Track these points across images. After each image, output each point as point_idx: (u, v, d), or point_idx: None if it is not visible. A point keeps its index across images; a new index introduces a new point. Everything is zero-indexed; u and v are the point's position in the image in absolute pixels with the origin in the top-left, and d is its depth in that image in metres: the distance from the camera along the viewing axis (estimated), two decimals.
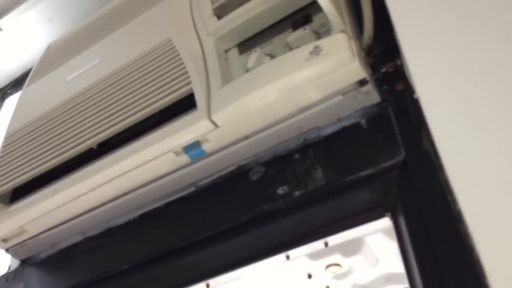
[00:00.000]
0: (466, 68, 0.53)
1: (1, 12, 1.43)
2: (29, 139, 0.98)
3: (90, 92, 0.95)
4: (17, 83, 1.63)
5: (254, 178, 0.77)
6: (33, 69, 1.22)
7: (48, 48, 1.28)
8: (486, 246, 0.41)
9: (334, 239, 0.90)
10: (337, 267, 1.09)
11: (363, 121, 0.71)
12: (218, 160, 0.79)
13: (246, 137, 0.76)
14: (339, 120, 0.73)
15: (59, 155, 0.91)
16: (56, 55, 1.20)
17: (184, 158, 0.79)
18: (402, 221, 0.61)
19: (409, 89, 0.68)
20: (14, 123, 1.06)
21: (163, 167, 0.81)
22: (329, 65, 0.67)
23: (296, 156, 0.74)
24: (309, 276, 1.12)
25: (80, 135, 0.90)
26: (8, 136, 1.04)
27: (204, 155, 0.79)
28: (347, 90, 0.70)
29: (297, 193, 0.71)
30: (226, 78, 0.78)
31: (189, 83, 0.79)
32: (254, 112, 0.72)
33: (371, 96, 0.70)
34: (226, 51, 0.86)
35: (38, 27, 1.52)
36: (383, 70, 0.73)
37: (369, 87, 0.69)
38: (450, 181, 0.47)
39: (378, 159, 0.66)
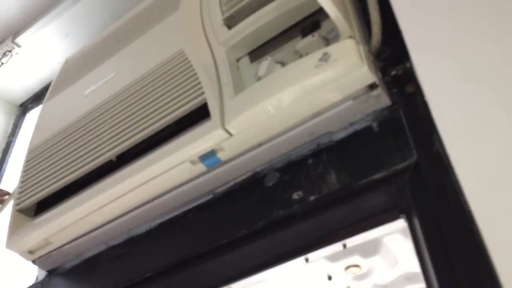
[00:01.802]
0: (473, 70, 0.53)
1: (19, 30, 1.47)
2: (50, 153, 1.01)
3: (107, 106, 0.98)
4: (37, 98, 1.68)
5: (270, 184, 0.78)
6: (52, 84, 1.26)
7: (66, 62, 1.32)
8: (497, 245, 0.42)
9: (352, 241, 0.91)
10: (357, 268, 1.10)
11: (374, 125, 0.72)
12: (234, 167, 0.81)
13: (260, 144, 0.78)
14: (351, 124, 0.74)
15: (80, 168, 0.93)
16: (73, 70, 1.23)
17: (201, 167, 0.81)
18: (416, 223, 0.62)
19: (419, 91, 0.68)
20: (36, 138, 1.09)
21: (181, 176, 0.83)
22: (339, 71, 0.68)
23: (310, 161, 0.76)
24: (329, 278, 1.13)
25: (100, 147, 0.92)
26: (30, 151, 1.07)
27: (219, 163, 0.80)
28: (358, 94, 0.71)
29: (312, 197, 0.72)
30: (239, 87, 0.79)
31: (203, 93, 0.81)
32: (267, 119, 0.74)
33: (382, 99, 0.71)
34: (238, 60, 0.88)
35: (56, 42, 1.56)
36: (393, 73, 0.74)
37: (379, 90, 0.70)
38: (460, 182, 0.47)
39: (390, 162, 0.67)
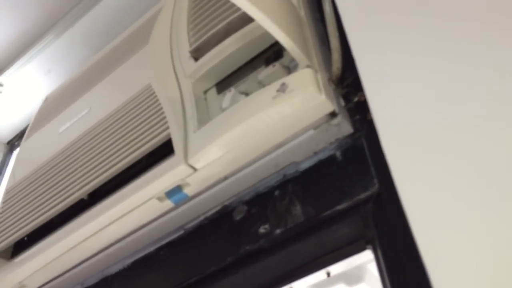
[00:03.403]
0: (423, 99, 0.52)
1: (1, 69, 1.48)
2: (25, 193, 1.01)
3: (79, 143, 0.97)
4: (23, 135, 1.68)
5: (238, 218, 0.77)
6: (30, 123, 1.26)
7: (46, 100, 1.32)
8: (442, 285, 0.40)
9: (335, 269, 0.89)
10: None
11: (338, 153, 0.70)
12: (202, 201, 0.80)
13: (226, 178, 0.77)
14: (315, 153, 0.72)
15: (53, 207, 0.92)
16: (51, 107, 1.23)
17: (168, 203, 0.79)
18: (379, 253, 0.60)
19: None
20: (12, 178, 1.09)
21: (150, 213, 0.82)
22: (296, 101, 0.67)
23: (276, 192, 0.74)
24: None
25: (71, 186, 0.91)
26: (7, 192, 1.07)
27: (187, 198, 0.79)
28: (318, 123, 0.70)
29: (277, 231, 0.70)
30: (204, 120, 0.79)
31: (167, 128, 0.80)
32: (230, 152, 0.73)
33: (343, 127, 0.69)
34: (206, 91, 0.87)
35: (38, 79, 1.56)
36: (355, 99, 0.72)
37: (339, 119, 0.69)
38: (407, 217, 0.46)
39: (353, 192, 0.66)
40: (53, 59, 1.49)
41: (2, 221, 1.01)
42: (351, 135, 0.70)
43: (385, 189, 0.61)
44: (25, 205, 0.98)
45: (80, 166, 0.92)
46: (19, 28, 1.41)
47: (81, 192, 0.89)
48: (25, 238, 0.98)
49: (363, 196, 0.64)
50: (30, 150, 1.14)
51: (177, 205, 0.80)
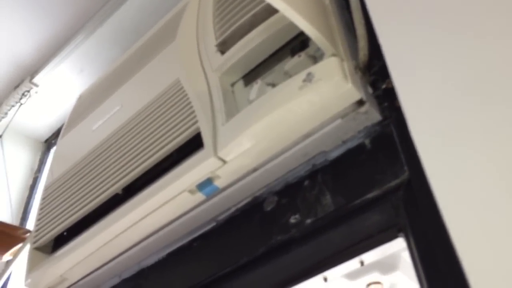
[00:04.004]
0: (451, 87, 0.51)
1: (35, 70, 1.53)
2: (62, 190, 1.04)
3: (111, 140, 0.99)
4: (59, 133, 1.73)
5: (269, 209, 0.77)
6: (66, 121, 1.29)
7: (79, 98, 1.36)
8: (474, 272, 0.39)
9: (369, 257, 0.89)
10: (379, 285, 1.07)
11: (367, 141, 0.70)
12: (233, 193, 0.81)
13: (255, 169, 0.77)
14: (344, 142, 0.72)
15: (89, 202, 0.95)
16: (84, 105, 1.26)
17: (200, 196, 0.81)
18: (412, 241, 0.60)
19: None
20: (50, 175, 1.12)
21: (182, 206, 0.83)
22: (323, 90, 0.67)
23: (306, 182, 0.74)
24: None
25: (106, 181, 0.94)
26: (45, 189, 1.10)
27: (218, 190, 0.80)
28: (346, 112, 0.69)
29: (308, 221, 0.70)
30: (232, 112, 0.79)
31: (196, 122, 0.81)
32: (258, 144, 0.73)
33: (371, 115, 0.69)
34: (233, 84, 0.88)
35: (72, 78, 1.61)
36: (383, 86, 0.72)
37: (367, 106, 0.68)
38: (438, 204, 0.45)
39: (383, 179, 0.65)
40: (85, 59, 1.52)
41: (42, 217, 1.05)
42: (379, 123, 0.69)
43: (416, 176, 0.60)
44: (63, 201, 1.02)
45: (114, 162, 0.95)
46: (50, 29, 1.45)
47: (115, 187, 0.91)
48: (65, 233, 1.02)
49: (393, 183, 0.64)
50: (66, 147, 1.18)
51: (209, 198, 0.81)
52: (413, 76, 0.55)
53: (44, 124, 1.71)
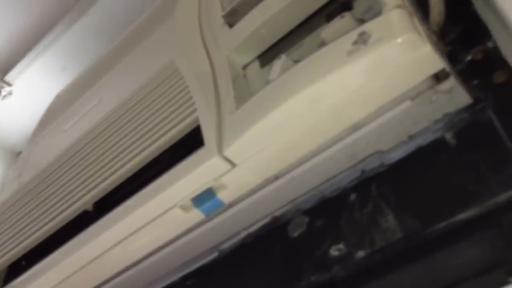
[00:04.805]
0: None
1: (8, 66, 1.32)
2: (21, 205, 0.82)
3: (83, 141, 0.77)
4: None
5: (295, 235, 0.55)
6: (36, 125, 1.08)
7: (55, 98, 1.15)
8: None
9: None
10: None
11: (449, 135, 0.47)
12: (243, 212, 0.58)
13: (276, 177, 0.54)
14: (411, 137, 0.49)
15: (49, 221, 0.73)
16: (59, 104, 1.05)
17: (197, 214, 0.58)
18: None
19: None
20: (8, 188, 0.90)
21: (171, 228, 0.61)
22: (384, 55, 0.45)
23: (352, 197, 0.51)
24: None
25: (72, 193, 0.71)
26: (1, 205, 0.88)
27: (222, 207, 0.57)
28: (418, 91, 0.47)
29: (360, 253, 0.47)
30: (244, 97, 0.57)
31: (194, 111, 0.59)
32: (282, 139, 0.50)
33: (457, 96, 0.47)
34: (245, 66, 0.66)
35: (52, 78, 1.40)
36: (468, 58, 0.49)
37: (452, 82, 0.45)
38: None
39: (483, 192, 0.43)
40: (67, 54, 1.32)
41: None
42: (469, 108, 0.47)
43: None
44: (19, 220, 0.79)
45: (84, 169, 0.72)
46: (26, 19, 1.25)
47: (84, 200, 0.68)
48: (23, 262, 0.79)
49: (501, 198, 0.41)
50: (32, 154, 0.96)
51: (209, 217, 0.59)
52: None
53: (19, 131, 1.48)
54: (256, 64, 0.66)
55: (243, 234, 0.60)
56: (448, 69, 0.45)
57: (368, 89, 0.47)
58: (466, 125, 0.47)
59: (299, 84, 0.48)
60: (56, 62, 1.34)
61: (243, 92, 0.59)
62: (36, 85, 1.40)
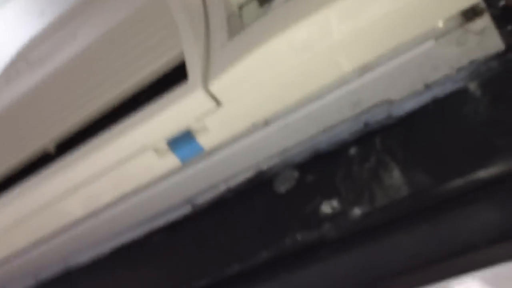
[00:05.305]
0: None
1: None
2: None
3: (53, 77, 0.69)
4: None
5: (282, 190, 0.47)
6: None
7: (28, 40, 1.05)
8: None
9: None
10: None
11: (472, 86, 0.41)
12: (225, 161, 0.50)
13: (266, 122, 0.47)
14: (427, 87, 0.43)
15: (5, 162, 0.64)
16: (29, 46, 0.95)
17: (171, 159, 0.50)
18: None
19: None
20: None
21: (140, 175, 0.53)
22: None
23: (352, 151, 0.45)
24: None
25: (33, 133, 0.63)
26: None
27: (201, 153, 0.50)
28: (444, 29, 0.40)
29: (356, 211, 0.41)
30: (238, 30, 0.49)
31: (179, 43, 0.51)
32: (279, 76, 0.43)
33: (488, 39, 0.40)
34: (242, 6, 0.58)
35: (29, 24, 1.28)
36: (502, 3, 0.43)
37: (486, 20, 0.39)
38: None
39: (509, 149, 0.36)
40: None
41: None
42: (499, 56, 0.40)
43: None
44: None
45: (48, 106, 0.64)
46: None
47: (43, 141, 0.60)
48: None
49: None
50: None
51: (185, 164, 0.51)
52: None
53: None
54: (254, 3, 0.58)
55: (222, 187, 0.52)
56: (482, 5, 0.39)
57: (380, 23, 0.40)
58: (494, 75, 0.40)
59: (303, 11, 0.41)
60: (33, 4, 1.24)
61: (237, 25, 0.51)
62: (14, 30, 1.30)
